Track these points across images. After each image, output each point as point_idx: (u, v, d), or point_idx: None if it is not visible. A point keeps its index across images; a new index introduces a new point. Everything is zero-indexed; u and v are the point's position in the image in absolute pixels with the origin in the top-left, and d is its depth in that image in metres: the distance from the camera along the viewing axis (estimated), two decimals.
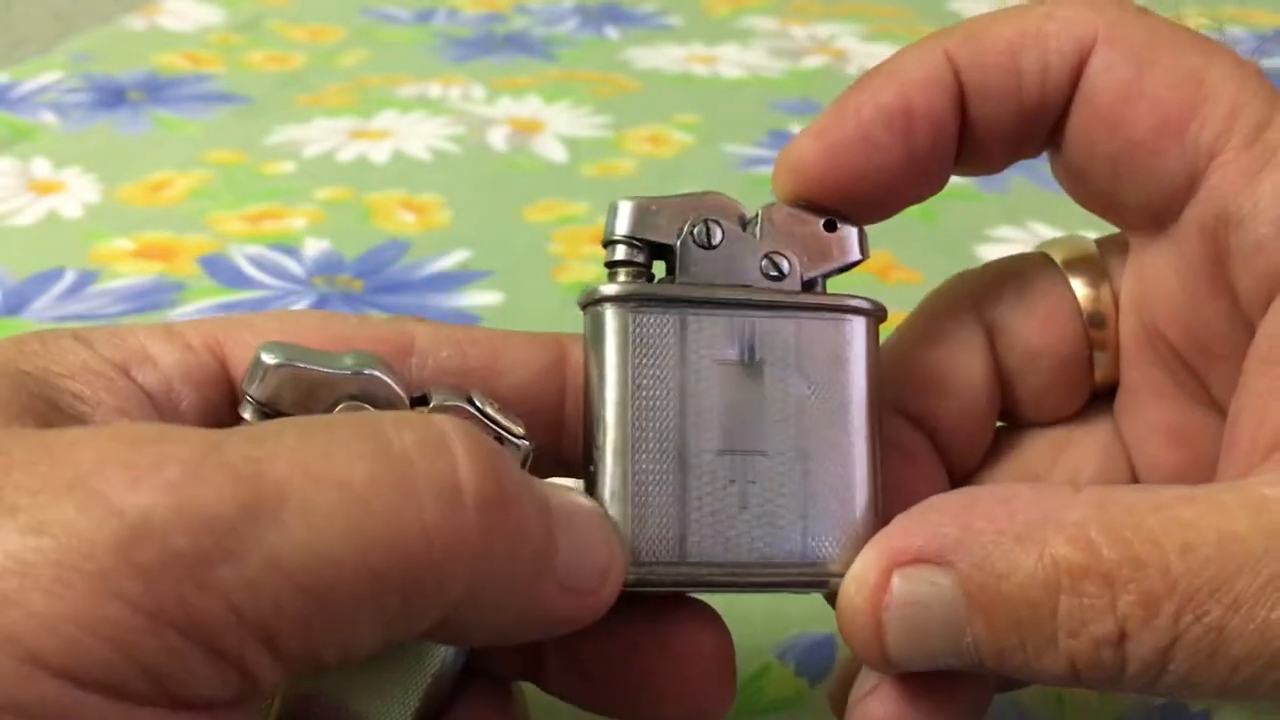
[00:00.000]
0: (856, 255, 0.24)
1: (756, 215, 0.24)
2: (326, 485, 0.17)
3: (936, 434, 0.25)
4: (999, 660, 0.20)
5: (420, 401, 0.21)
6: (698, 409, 0.22)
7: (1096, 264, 0.25)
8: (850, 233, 0.24)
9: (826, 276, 0.24)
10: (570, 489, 0.21)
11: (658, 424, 0.22)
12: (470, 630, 0.20)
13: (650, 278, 0.23)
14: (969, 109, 0.23)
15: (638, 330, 0.22)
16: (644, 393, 0.22)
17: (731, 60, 0.73)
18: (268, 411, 0.21)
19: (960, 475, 0.26)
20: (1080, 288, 0.25)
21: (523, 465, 0.22)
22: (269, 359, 0.20)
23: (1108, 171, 0.23)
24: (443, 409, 0.21)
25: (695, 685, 0.23)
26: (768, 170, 0.66)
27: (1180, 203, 0.23)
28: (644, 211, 0.23)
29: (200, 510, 0.16)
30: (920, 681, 0.22)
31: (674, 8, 0.81)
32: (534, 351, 0.24)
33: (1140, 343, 0.25)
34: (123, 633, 0.16)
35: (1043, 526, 0.19)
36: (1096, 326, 0.25)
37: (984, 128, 0.23)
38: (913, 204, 0.24)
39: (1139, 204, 0.23)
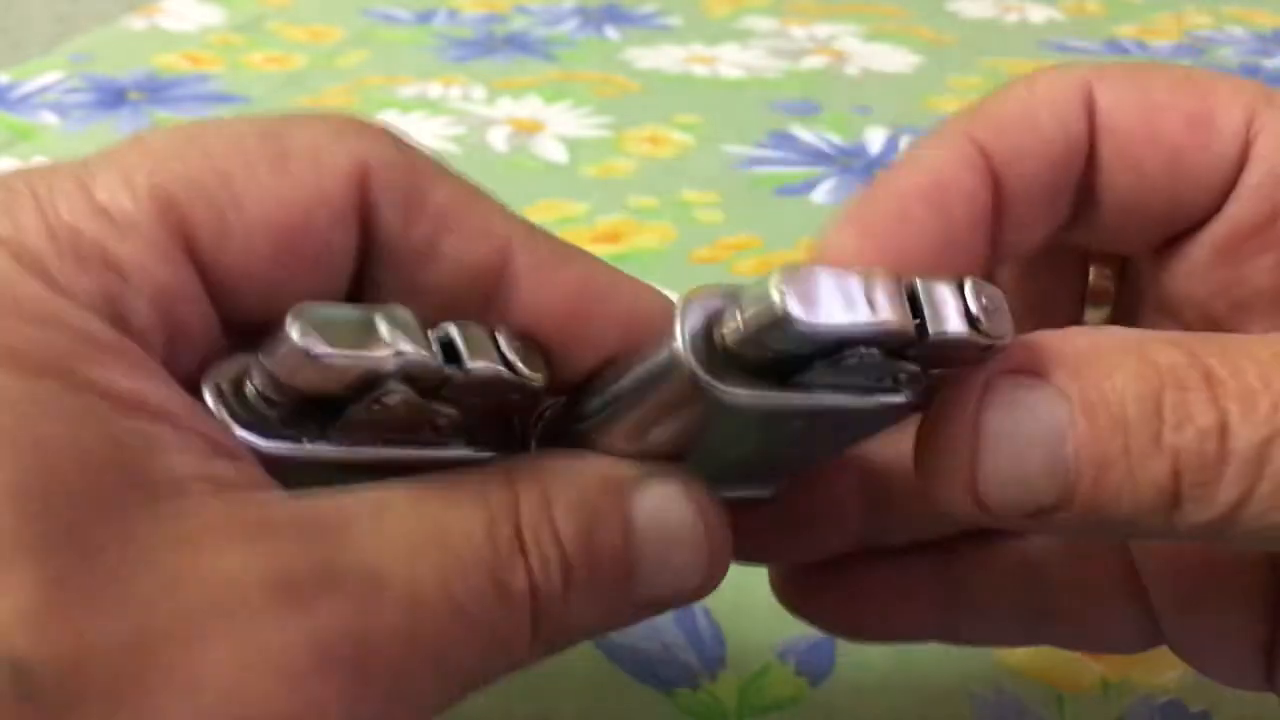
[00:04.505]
0: None
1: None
2: (429, 547, 0.18)
3: None
4: (1099, 474, 0.19)
5: (450, 352, 0.19)
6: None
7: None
8: None
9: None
10: (673, 493, 0.21)
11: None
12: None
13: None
14: (1003, 180, 0.23)
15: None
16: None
17: (731, 61, 0.73)
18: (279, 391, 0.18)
19: None
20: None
21: (537, 407, 0.21)
22: (314, 348, 0.18)
23: (1163, 183, 0.23)
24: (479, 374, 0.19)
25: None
26: (768, 170, 0.66)
27: (1235, 177, 0.23)
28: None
29: None
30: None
31: (674, 8, 0.81)
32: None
33: (1160, 311, 0.25)
34: None
35: (1140, 340, 0.19)
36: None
37: (1020, 195, 0.23)
38: None
39: (1199, 196, 0.23)
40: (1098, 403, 0.19)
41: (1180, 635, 0.25)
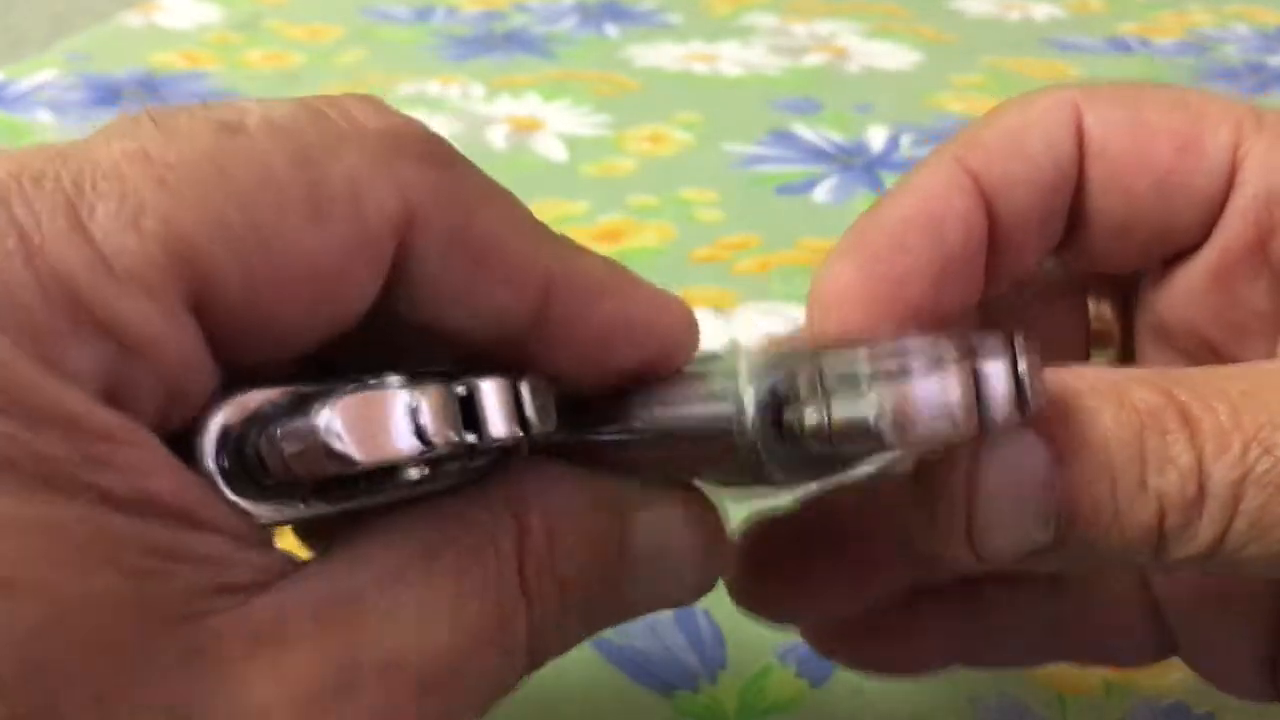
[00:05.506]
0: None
1: None
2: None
3: None
4: (1091, 517, 0.19)
5: (468, 407, 0.19)
6: None
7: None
8: None
9: None
10: (673, 517, 0.21)
11: None
12: None
13: None
14: (995, 206, 0.23)
15: None
16: None
17: (732, 58, 0.72)
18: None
19: None
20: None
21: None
22: (338, 447, 0.17)
23: (1152, 206, 0.23)
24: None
25: None
26: (769, 169, 0.66)
27: (1223, 200, 0.23)
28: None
29: None
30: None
31: (674, 6, 0.81)
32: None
33: (1156, 339, 0.25)
34: None
35: (1117, 383, 0.20)
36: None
37: (1013, 220, 0.23)
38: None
39: (1188, 219, 0.23)
40: (1083, 449, 0.19)
41: (1190, 648, 0.26)
